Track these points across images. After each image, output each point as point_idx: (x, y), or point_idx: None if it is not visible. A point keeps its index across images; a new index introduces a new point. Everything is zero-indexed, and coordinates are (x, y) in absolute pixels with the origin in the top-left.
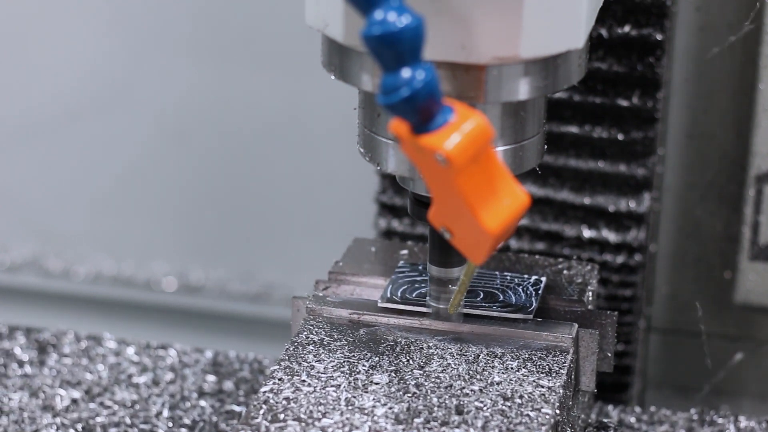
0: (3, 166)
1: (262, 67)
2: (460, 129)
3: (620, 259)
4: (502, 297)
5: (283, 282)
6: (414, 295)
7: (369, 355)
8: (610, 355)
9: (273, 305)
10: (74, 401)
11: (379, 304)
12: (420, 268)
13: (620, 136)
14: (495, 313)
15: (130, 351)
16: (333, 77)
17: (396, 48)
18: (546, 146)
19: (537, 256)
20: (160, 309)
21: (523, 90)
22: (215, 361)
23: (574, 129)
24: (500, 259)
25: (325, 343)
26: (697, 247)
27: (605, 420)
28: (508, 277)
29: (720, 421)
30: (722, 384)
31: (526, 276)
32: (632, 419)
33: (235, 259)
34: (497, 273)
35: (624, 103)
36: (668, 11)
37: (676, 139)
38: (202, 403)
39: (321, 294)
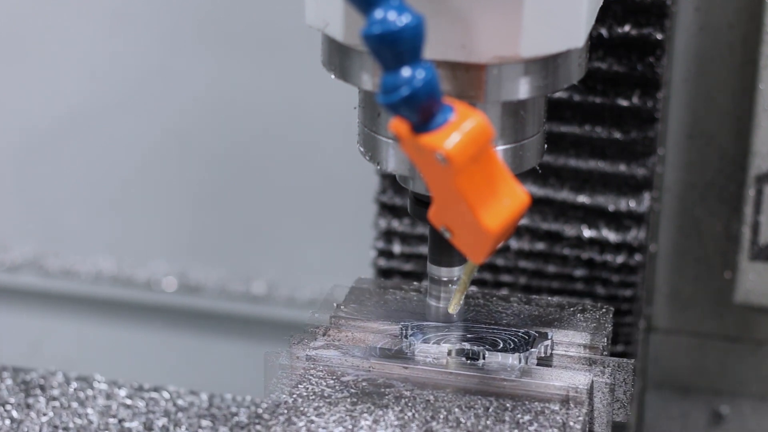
0: (4, 166)
1: (261, 68)
2: (461, 128)
3: (620, 259)
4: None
5: (283, 282)
6: (426, 346)
7: (372, 408)
8: (626, 404)
9: (273, 305)
10: None
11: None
12: (425, 323)
13: (620, 136)
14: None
15: (122, 393)
16: (333, 77)
17: (396, 47)
18: (546, 146)
19: (549, 298)
20: (160, 309)
21: (523, 89)
22: (211, 404)
23: (574, 129)
24: (509, 300)
25: (326, 395)
26: (697, 247)
27: None
28: (512, 331)
29: None
30: (722, 384)
31: (530, 332)
32: None
33: (235, 259)
34: (502, 329)
35: (624, 103)
36: (668, 11)
37: (676, 139)
38: None
39: (321, 341)
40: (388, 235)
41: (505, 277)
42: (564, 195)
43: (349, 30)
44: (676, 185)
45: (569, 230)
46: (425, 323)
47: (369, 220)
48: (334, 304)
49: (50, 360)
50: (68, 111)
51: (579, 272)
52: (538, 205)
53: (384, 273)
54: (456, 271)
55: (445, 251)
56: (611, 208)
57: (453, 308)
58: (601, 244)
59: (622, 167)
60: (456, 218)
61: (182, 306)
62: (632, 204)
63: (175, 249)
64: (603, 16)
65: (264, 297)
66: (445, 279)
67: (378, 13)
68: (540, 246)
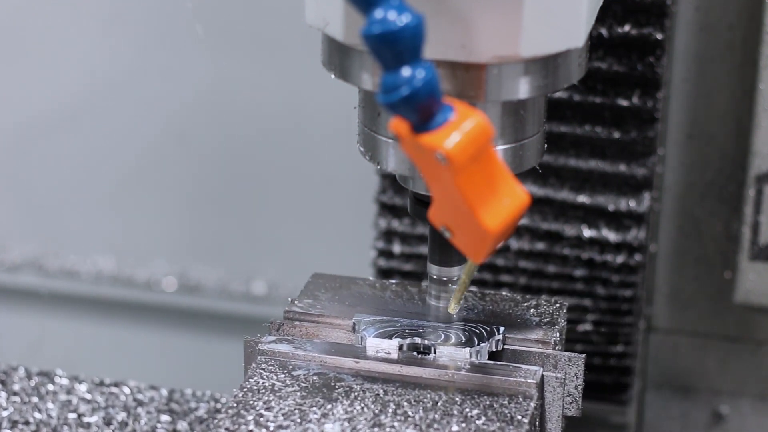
0: (3, 166)
1: (261, 67)
2: (461, 128)
3: (620, 259)
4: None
5: (283, 282)
6: (377, 340)
7: (322, 401)
8: (578, 399)
9: (273, 305)
10: None
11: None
12: (378, 318)
13: (620, 136)
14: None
15: (82, 388)
16: (333, 76)
17: (396, 46)
18: (546, 146)
19: (504, 293)
20: (160, 309)
21: (523, 89)
22: (171, 399)
23: (574, 129)
24: (465, 297)
25: (276, 388)
26: (697, 247)
27: None
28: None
29: None
30: (722, 384)
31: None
32: None
33: (235, 259)
34: (455, 323)
35: (624, 102)
36: (668, 11)
37: (676, 139)
38: None
39: (274, 335)
40: (388, 235)
41: (505, 277)
42: (564, 195)
43: (349, 29)
44: (676, 185)
45: (569, 230)
46: (377, 318)
47: (369, 220)
48: (289, 299)
49: (50, 360)
50: (68, 110)
51: (579, 272)
52: (538, 205)
53: (384, 273)
54: (456, 271)
55: (445, 251)
56: (611, 208)
57: (453, 308)
58: (601, 244)
59: (622, 167)
60: (456, 218)
61: (182, 306)
62: (632, 204)
63: (175, 249)
64: (603, 16)
65: (264, 297)
66: (445, 279)
67: (378, 13)
68: (540, 246)
